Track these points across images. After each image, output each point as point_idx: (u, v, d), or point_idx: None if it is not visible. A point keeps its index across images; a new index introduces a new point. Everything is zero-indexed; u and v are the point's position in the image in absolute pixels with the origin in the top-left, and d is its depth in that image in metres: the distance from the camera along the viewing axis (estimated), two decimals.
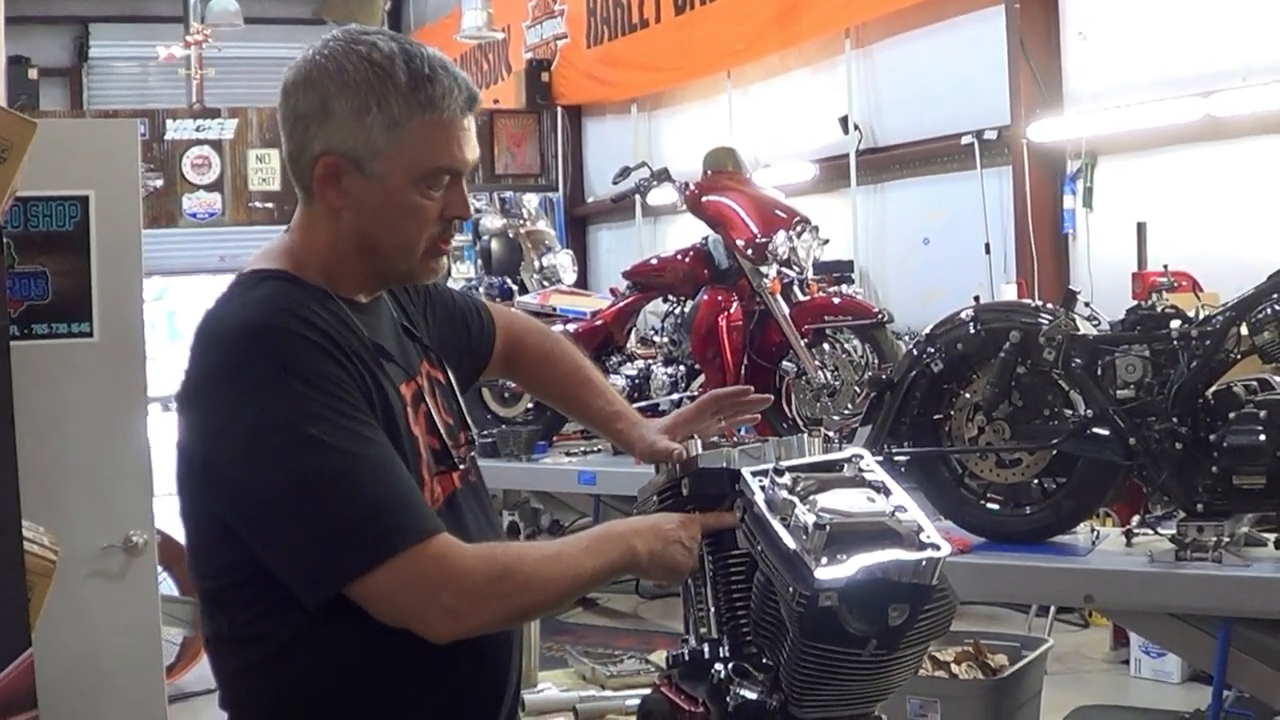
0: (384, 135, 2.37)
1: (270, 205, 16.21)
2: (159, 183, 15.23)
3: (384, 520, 2.22)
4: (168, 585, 7.47)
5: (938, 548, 2.16)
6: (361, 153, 2.38)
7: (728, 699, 2.29)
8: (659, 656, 4.55)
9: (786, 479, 2.26)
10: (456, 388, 2.71)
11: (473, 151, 2.48)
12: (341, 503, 2.21)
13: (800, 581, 2.11)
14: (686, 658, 2.39)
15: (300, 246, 2.49)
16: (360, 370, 2.36)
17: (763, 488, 2.27)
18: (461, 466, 2.57)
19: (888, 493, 2.28)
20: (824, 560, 2.10)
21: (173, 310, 17.06)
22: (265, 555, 2.27)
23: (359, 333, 2.43)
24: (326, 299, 2.43)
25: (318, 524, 2.22)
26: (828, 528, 2.12)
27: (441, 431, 2.55)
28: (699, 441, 2.57)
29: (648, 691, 2.51)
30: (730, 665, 2.32)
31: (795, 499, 2.20)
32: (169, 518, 6.05)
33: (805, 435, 2.53)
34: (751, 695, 2.27)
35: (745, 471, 2.33)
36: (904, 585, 2.15)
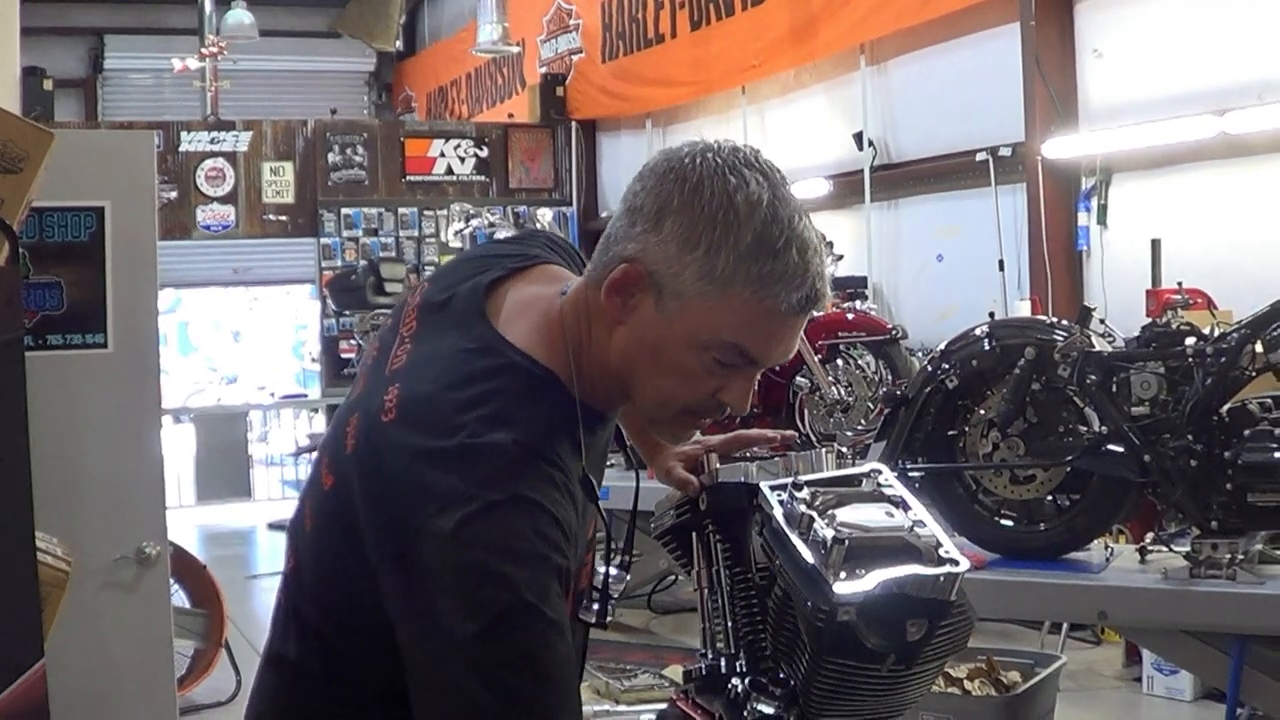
0: (695, 282, 2.06)
1: (284, 218, 16.30)
2: (173, 195, 15.32)
3: None
4: (180, 597, 7.49)
5: (956, 563, 2.15)
6: (666, 283, 2.08)
7: (745, 714, 2.28)
8: (672, 671, 4.56)
9: (805, 493, 2.25)
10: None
11: (783, 350, 2.18)
12: (525, 688, 1.91)
13: (819, 596, 2.10)
14: (703, 672, 2.38)
15: (575, 337, 2.20)
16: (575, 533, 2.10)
17: (781, 502, 2.26)
18: (609, 620, 2.33)
19: (906, 508, 2.27)
20: (843, 575, 2.10)
21: (185, 322, 17.10)
22: (414, 694, 1.99)
23: (579, 463, 2.17)
24: (569, 418, 2.16)
25: (482, 702, 1.90)
26: (847, 542, 2.11)
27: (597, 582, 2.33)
28: (716, 456, 2.56)
29: (662, 706, 2.50)
30: (747, 680, 2.31)
31: (814, 513, 2.19)
32: (181, 530, 6.05)
33: (822, 450, 2.51)
34: (769, 710, 2.26)
35: (763, 485, 2.32)
36: (922, 600, 2.14)
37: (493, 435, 2.01)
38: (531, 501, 1.98)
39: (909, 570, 2.12)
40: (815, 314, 7.16)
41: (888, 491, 2.31)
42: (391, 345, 2.26)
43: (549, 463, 2.05)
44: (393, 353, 2.24)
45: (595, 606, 2.30)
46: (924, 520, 2.22)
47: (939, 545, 2.16)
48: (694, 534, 2.50)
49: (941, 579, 2.13)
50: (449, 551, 1.93)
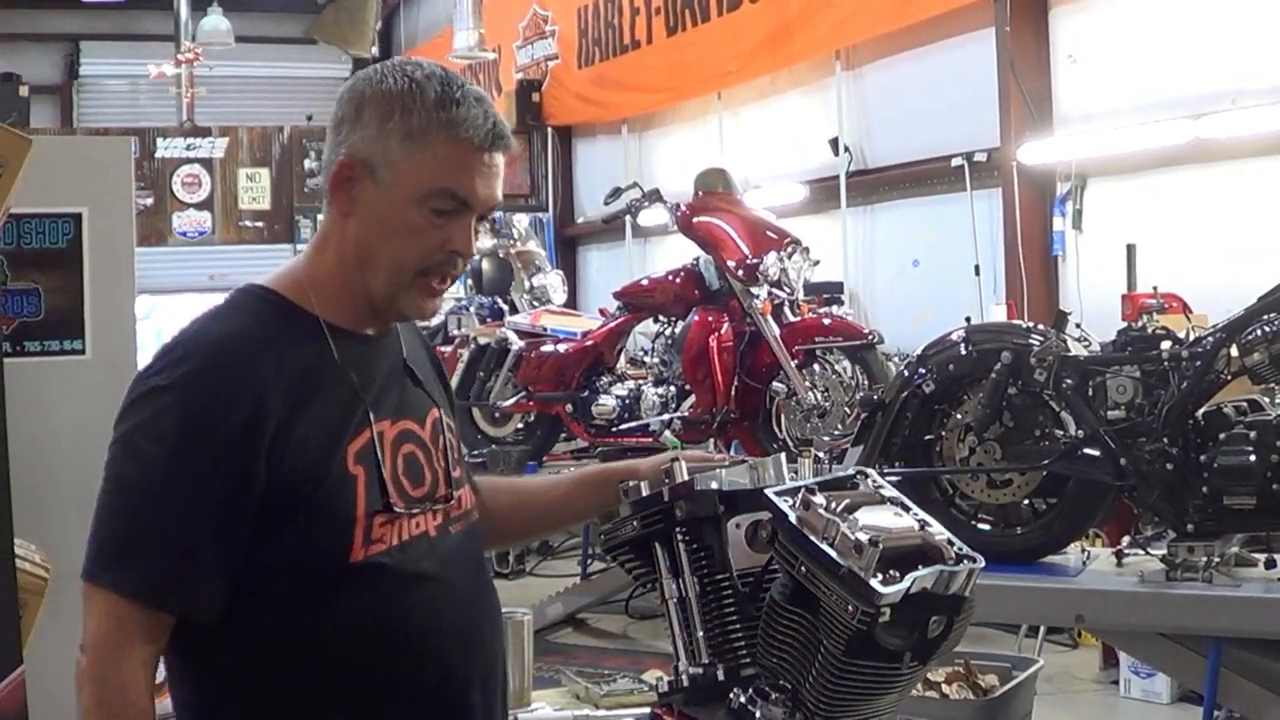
0: (399, 145, 2.39)
1: (260, 224, 16.26)
2: (149, 201, 15.27)
3: (126, 553, 2.35)
4: None
5: (974, 559, 2.21)
6: (376, 160, 2.40)
7: None
8: (651, 675, 4.56)
9: (820, 498, 2.27)
10: (454, 437, 2.65)
11: (488, 189, 2.45)
12: (119, 513, 2.37)
13: (861, 599, 2.12)
14: (685, 683, 2.38)
15: (306, 268, 2.50)
16: (277, 410, 2.33)
17: (791, 507, 2.27)
18: (418, 512, 2.47)
19: (907, 508, 2.30)
20: (878, 576, 2.12)
21: (161, 329, 17.02)
22: None
23: (328, 361, 2.42)
24: (309, 328, 2.44)
25: (99, 519, 2.39)
26: (880, 545, 2.14)
27: (413, 476, 2.48)
28: (684, 464, 2.54)
29: (642, 711, 2.50)
30: (750, 689, 2.32)
31: (837, 518, 2.21)
32: None
33: (781, 455, 2.53)
34: (779, 716, 2.27)
35: (769, 492, 2.33)
36: (945, 597, 2.18)
37: (193, 338, 2.40)
38: (184, 389, 2.32)
39: (936, 569, 2.15)
40: (792, 320, 7.12)
41: (885, 493, 2.34)
42: None
43: (239, 358, 2.35)
44: None
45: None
46: (928, 520, 2.26)
47: (952, 543, 2.21)
48: (656, 544, 2.48)
49: (965, 575, 2.18)
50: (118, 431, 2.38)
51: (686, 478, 2.48)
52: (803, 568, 2.22)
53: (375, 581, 2.39)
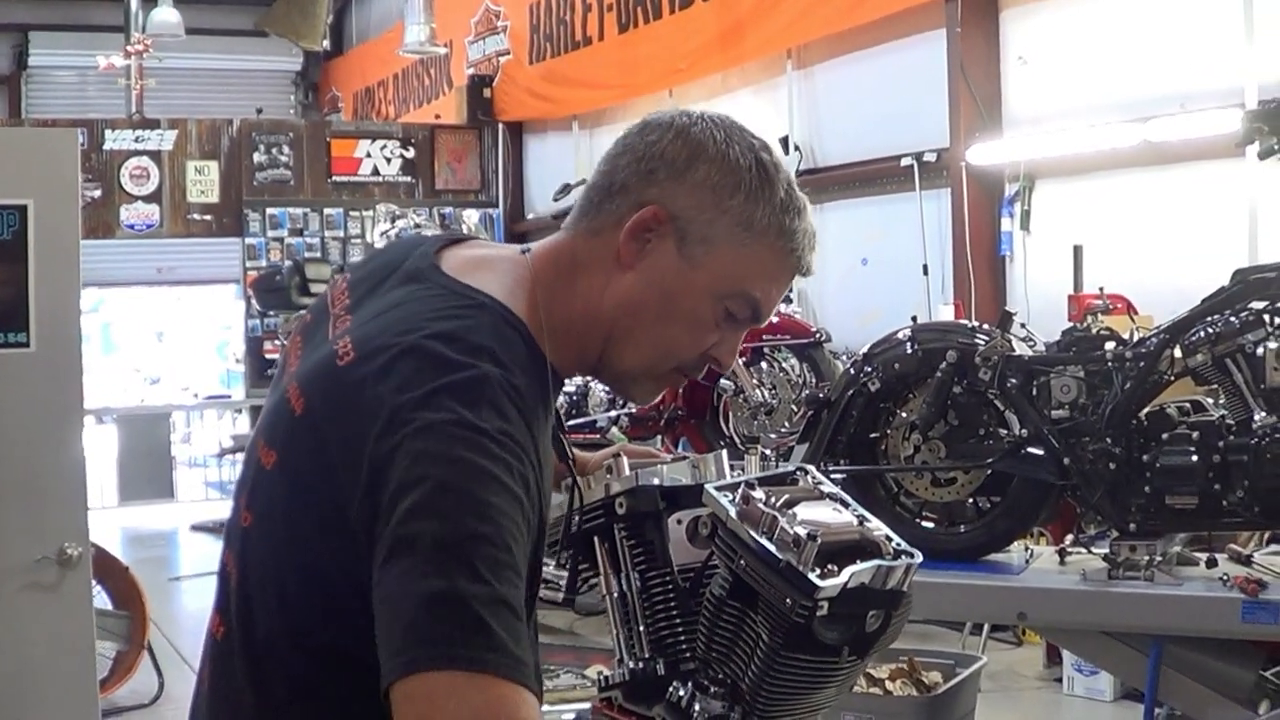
0: (731, 229, 2.11)
1: (209, 217, 16.19)
2: (97, 193, 15.19)
3: (499, 633, 1.82)
4: (102, 599, 7.44)
5: (912, 555, 2.21)
6: (695, 229, 2.10)
7: (694, 715, 2.29)
8: (594, 671, 4.57)
9: (759, 493, 2.28)
10: None
11: (772, 309, 2.25)
12: (480, 588, 1.79)
13: (800, 593, 2.13)
14: (627, 678, 2.39)
15: (544, 299, 2.12)
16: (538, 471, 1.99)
17: (731, 502, 2.28)
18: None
19: (846, 504, 2.31)
20: (816, 571, 2.13)
21: (108, 322, 16.94)
22: (377, 604, 1.82)
23: (550, 419, 2.13)
24: (542, 375, 2.07)
25: (438, 595, 1.77)
26: (819, 539, 2.15)
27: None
28: (626, 460, 2.53)
29: (583, 706, 2.50)
30: (691, 682, 2.33)
31: (776, 513, 2.22)
32: (103, 531, 6.02)
33: (723, 452, 2.53)
34: (718, 709, 2.28)
35: (709, 487, 2.33)
36: (883, 592, 2.19)
37: (479, 363, 1.91)
38: (517, 441, 1.90)
39: (874, 563, 2.17)
40: None
41: (824, 489, 2.35)
42: (324, 323, 2.14)
43: (528, 411, 1.96)
44: (329, 327, 2.11)
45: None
46: (867, 516, 2.27)
47: (890, 539, 2.22)
48: (597, 539, 2.48)
49: (903, 571, 2.19)
50: (431, 474, 1.82)
51: (628, 473, 2.48)
52: (742, 561, 2.23)
53: None
